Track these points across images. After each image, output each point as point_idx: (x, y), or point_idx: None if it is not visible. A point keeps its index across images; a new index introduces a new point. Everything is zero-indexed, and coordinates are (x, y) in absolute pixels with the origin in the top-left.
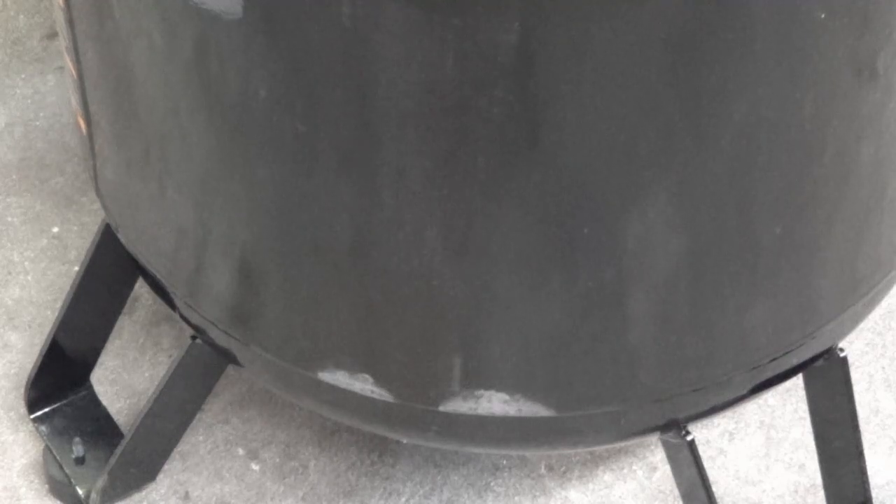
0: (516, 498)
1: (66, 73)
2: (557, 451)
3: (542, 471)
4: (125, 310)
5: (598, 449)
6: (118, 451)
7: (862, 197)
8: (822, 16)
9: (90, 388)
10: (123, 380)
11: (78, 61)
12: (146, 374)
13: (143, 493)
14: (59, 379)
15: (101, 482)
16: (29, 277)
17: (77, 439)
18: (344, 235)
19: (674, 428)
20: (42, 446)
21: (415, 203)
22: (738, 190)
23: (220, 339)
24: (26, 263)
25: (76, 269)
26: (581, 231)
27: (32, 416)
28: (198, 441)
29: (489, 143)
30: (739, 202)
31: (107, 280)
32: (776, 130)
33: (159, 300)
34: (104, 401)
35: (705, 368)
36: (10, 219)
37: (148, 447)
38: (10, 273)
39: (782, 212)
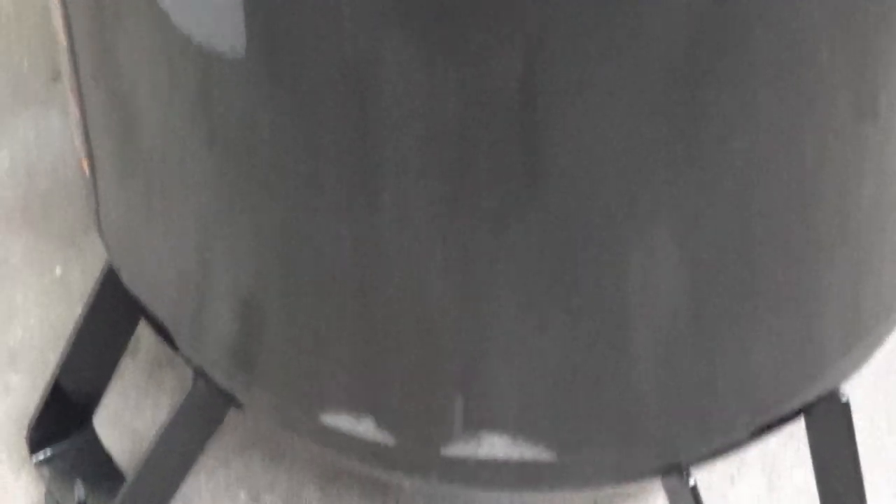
0: None
1: (70, 114)
2: (560, 494)
3: None
4: (128, 351)
5: (600, 493)
6: (120, 494)
7: (864, 237)
8: (824, 56)
9: (92, 430)
10: (125, 421)
11: (81, 102)
12: (148, 416)
13: None
14: (62, 421)
15: None
16: (31, 319)
17: (79, 482)
18: (346, 276)
19: (676, 471)
20: (44, 489)
21: (417, 243)
22: (739, 231)
23: (223, 381)
24: (29, 305)
25: (79, 310)
26: (584, 273)
27: (34, 459)
28: (199, 484)
29: (492, 182)
30: (741, 244)
31: (109, 321)
32: (777, 172)
33: (162, 341)
34: (106, 443)
35: (707, 411)
36: (12, 260)
37: (150, 490)
38: (12, 314)
39: (784, 253)
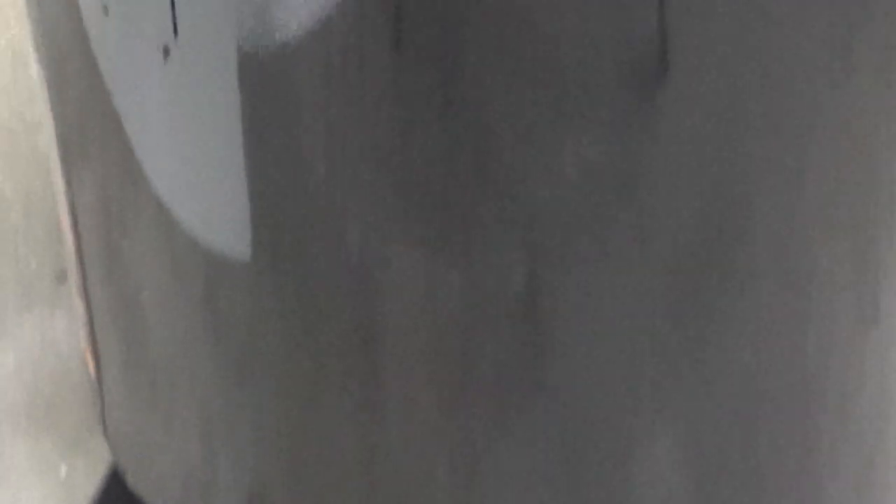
0: None
1: (76, 313)
2: None
3: None
4: None
5: None
6: None
7: (866, 440)
8: (825, 263)
9: None
10: None
11: (87, 301)
12: None
13: None
14: None
15: None
16: None
17: None
18: (350, 476)
19: None
20: None
21: (421, 445)
22: (742, 438)
23: None
24: None
25: None
26: (587, 475)
27: None
28: None
29: (494, 386)
30: (743, 451)
31: None
32: (779, 377)
33: None
34: None
35: None
36: (16, 461)
37: None
38: None
39: (787, 455)
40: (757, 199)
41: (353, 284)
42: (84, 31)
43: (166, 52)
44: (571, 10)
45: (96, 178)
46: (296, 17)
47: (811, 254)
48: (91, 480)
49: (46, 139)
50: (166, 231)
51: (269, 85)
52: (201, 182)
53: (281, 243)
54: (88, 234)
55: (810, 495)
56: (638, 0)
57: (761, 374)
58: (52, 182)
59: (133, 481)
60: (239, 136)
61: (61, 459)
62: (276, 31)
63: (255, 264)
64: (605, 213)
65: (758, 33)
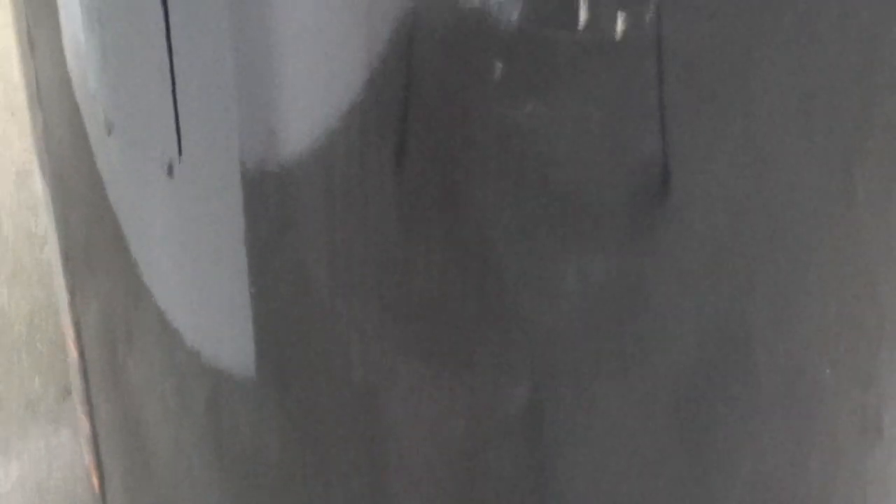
0: None
1: (80, 430)
2: None
3: None
4: None
5: None
6: None
7: None
8: (827, 371)
9: None
10: None
11: (92, 418)
12: None
13: None
14: None
15: None
16: None
17: None
18: None
19: None
20: None
21: None
22: None
23: None
24: None
25: None
26: None
27: None
28: None
29: (499, 499)
30: None
31: None
32: (783, 488)
33: None
34: None
35: None
36: None
37: None
38: None
39: None
40: (759, 318)
41: (357, 402)
42: (88, 148)
43: (170, 169)
44: (576, 135)
45: (100, 294)
46: (299, 136)
47: (814, 370)
48: None
49: (50, 255)
50: (170, 348)
51: (272, 202)
52: (205, 299)
53: (285, 361)
54: (92, 349)
55: None
56: (641, 126)
57: (766, 487)
58: (56, 298)
59: None
60: (243, 252)
61: None
62: (280, 149)
63: (259, 381)
64: (608, 332)
65: (758, 161)
